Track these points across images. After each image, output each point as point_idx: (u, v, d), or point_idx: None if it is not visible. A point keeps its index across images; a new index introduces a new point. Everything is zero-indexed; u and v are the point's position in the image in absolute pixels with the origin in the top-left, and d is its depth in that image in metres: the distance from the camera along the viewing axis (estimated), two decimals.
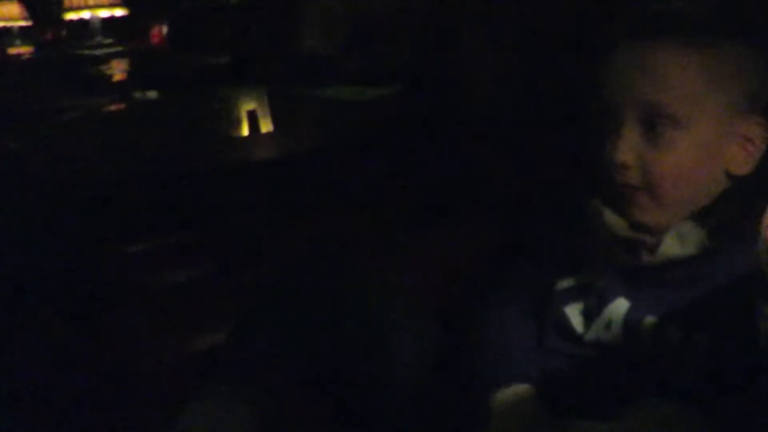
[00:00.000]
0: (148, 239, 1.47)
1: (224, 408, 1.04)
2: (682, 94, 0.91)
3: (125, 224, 1.70)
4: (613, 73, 0.96)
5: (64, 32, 6.44)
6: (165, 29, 4.56)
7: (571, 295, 1.03)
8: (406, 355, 1.09)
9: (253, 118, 1.92)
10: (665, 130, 0.92)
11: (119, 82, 3.42)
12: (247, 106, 1.96)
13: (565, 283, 1.05)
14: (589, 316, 0.99)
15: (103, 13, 4.24)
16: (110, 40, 4.31)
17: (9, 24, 6.85)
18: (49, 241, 1.61)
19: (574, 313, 1.01)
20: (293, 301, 1.10)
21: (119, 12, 4.31)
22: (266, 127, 1.93)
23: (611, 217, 1.00)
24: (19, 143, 1.77)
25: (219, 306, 1.23)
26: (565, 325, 1.01)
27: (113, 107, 2.86)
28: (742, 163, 0.94)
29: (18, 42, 6.62)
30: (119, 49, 4.23)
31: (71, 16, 4.12)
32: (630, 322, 0.94)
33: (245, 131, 1.93)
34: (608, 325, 0.96)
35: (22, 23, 6.92)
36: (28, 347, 1.39)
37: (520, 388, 0.98)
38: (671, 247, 0.94)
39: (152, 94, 3.26)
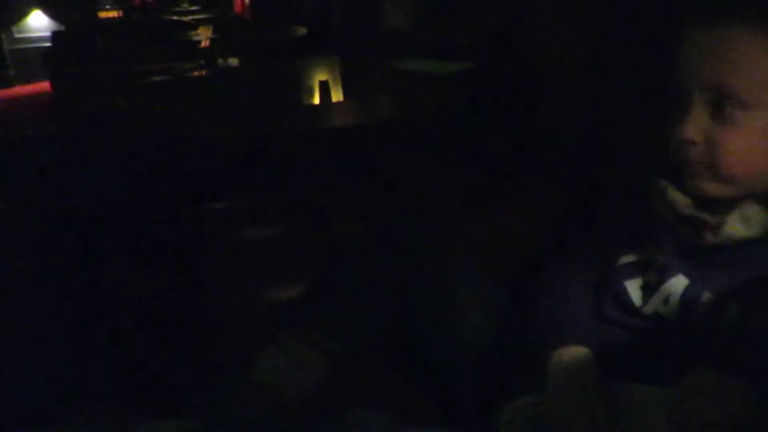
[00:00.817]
0: (227, 198, 1.53)
1: (298, 355, 1.10)
2: (752, 77, 0.92)
3: (207, 183, 1.77)
4: (685, 55, 0.97)
5: None
6: None
7: (631, 270, 1.05)
8: (472, 317, 1.13)
9: (325, 87, 1.96)
10: (733, 112, 0.93)
11: (204, 49, 3.49)
12: (320, 76, 2.00)
13: (626, 258, 1.07)
14: (647, 291, 1.02)
15: None
16: (196, 7, 4.40)
17: None
18: (136, 197, 1.69)
19: (633, 287, 1.04)
20: (368, 261, 1.15)
21: None
22: (337, 96, 1.97)
23: (676, 196, 1.02)
24: (124, 102, 1.85)
25: (290, 265, 1.27)
26: (623, 297, 1.03)
27: (198, 72, 2.94)
28: None
29: (108, 6, 6.80)
30: (204, 16, 4.31)
31: None
32: (688, 297, 0.96)
33: (317, 100, 1.97)
34: (666, 300, 0.98)
35: None
36: (115, 294, 1.47)
37: (578, 350, 1.00)
38: (735, 228, 0.96)
39: (234, 61, 3.33)
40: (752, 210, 0.96)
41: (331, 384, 1.11)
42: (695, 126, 0.95)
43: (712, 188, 0.97)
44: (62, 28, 5.94)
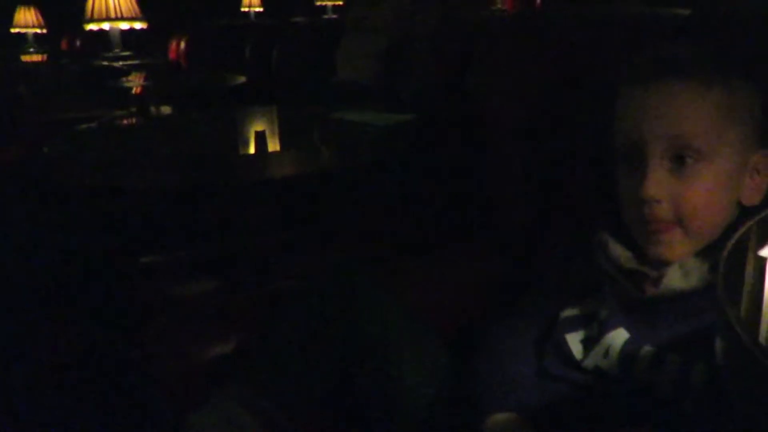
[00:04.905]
0: (161, 252, 1.54)
1: (231, 415, 1.10)
2: (705, 127, 0.99)
3: (139, 236, 1.77)
4: (636, 111, 1.03)
5: (78, 42, 6.58)
6: (183, 45, 4.67)
7: (573, 324, 1.10)
8: (411, 377, 1.15)
9: (261, 138, 1.98)
10: (692, 163, 1.00)
11: (136, 96, 3.50)
12: (257, 126, 2.02)
13: (569, 312, 1.12)
14: (588, 344, 1.06)
15: (123, 26, 4.34)
16: (128, 53, 4.41)
17: (24, 31, 7.00)
18: (67, 246, 1.69)
19: (574, 341, 1.08)
20: (304, 318, 1.17)
21: (139, 25, 4.42)
22: (274, 147, 2.00)
23: (617, 249, 1.08)
24: (50, 151, 1.84)
25: (226, 320, 1.28)
26: (565, 351, 1.07)
27: (129, 120, 2.95)
28: (753, 194, 1.04)
29: (32, 50, 6.75)
30: (137, 62, 4.33)
31: (92, 26, 4.22)
32: (627, 351, 1.00)
33: (253, 150, 1.99)
34: (606, 353, 1.02)
35: (38, 30, 7.08)
36: (47, 351, 1.45)
37: (510, 416, 1.04)
38: (675, 280, 1.01)
39: (167, 109, 3.34)
40: (691, 262, 1.01)
41: None
42: (657, 183, 0.99)
43: (679, 250, 1.02)
44: None
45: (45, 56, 6.44)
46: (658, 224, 1.01)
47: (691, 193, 1.00)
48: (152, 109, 3.27)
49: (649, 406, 0.97)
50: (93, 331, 1.47)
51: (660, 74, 1.01)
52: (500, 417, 1.04)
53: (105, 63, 4.26)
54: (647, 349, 0.99)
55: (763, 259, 0.50)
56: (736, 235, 0.60)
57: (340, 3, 7.01)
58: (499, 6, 4.21)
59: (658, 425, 0.94)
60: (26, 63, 6.33)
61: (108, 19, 4.16)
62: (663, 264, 1.03)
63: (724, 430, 0.86)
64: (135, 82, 3.63)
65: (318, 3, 7.24)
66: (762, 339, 0.50)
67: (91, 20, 4.15)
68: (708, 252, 1.01)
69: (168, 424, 1.09)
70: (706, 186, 1.00)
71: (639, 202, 1.01)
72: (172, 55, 4.79)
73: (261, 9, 7.44)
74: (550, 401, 1.05)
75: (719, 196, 1.01)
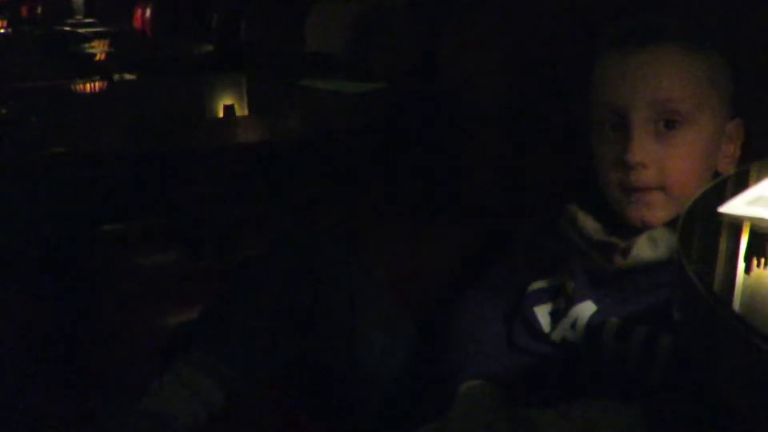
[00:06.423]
0: (123, 221, 1.52)
1: (193, 383, 1.10)
2: (689, 92, 1.01)
3: (101, 205, 1.75)
4: (619, 77, 1.03)
5: (40, 9, 6.46)
6: (149, 12, 4.61)
7: (542, 296, 1.10)
8: (376, 347, 1.16)
9: (229, 105, 1.96)
10: (677, 127, 1.01)
11: (99, 63, 3.45)
12: (225, 94, 2.00)
13: (537, 285, 1.12)
14: (556, 317, 1.07)
15: None
16: (92, 20, 4.34)
17: None
18: (26, 217, 1.66)
19: (542, 313, 1.09)
20: (268, 286, 1.16)
21: None
22: (242, 114, 1.97)
23: (586, 221, 1.09)
24: (9, 115, 1.81)
25: (188, 290, 1.27)
26: (533, 323, 1.08)
27: (92, 87, 2.90)
28: (729, 162, 1.06)
29: None
30: (101, 29, 4.27)
31: None
32: (594, 323, 1.01)
33: (221, 116, 1.96)
34: (573, 325, 1.03)
35: None
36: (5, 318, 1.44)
37: (482, 384, 1.05)
38: (643, 250, 1.03)
39: (131, 77, 3.30)
40: (659, 232, 1.02)
41: (228, 413, 1.11)
42: (643, 148, 1.00)
43: (661, 214, 1.03)
44: None
45: (4, 23, 6.31)
46: (641, 189, 1.02)
47: (676, 157, 1.01)
48: (115, 76, 3.23)
49: (616, 377, 0.98)
50: (54, 299, 1.45)
51: (644, 40, 1.02)
52: (472, 384, 1.04)
53: (67, 29, 4.18)
54: (614, 320, 1.00)
55: (736, 222, 0.50)
56: (706, 187, 0.60)
57: None
58: None
59: (625, 395, 0.95)
60: None
61: None
62: (633, 233, 1.04)
63: (689, 399, 0.88)
64: (98, 50, 3.57)
65: None
66: (736, 306, 0.49)
67: None
68: (677, 222, 1.02)
69: (131, 391, 1.08)
70: (690, 151, 1.02)
71: (623, 167, 1.02)
72: (137, 23, 4.72)
73: None
74: (519, 372, 1.06)
75: (701, 162, 1.03)
